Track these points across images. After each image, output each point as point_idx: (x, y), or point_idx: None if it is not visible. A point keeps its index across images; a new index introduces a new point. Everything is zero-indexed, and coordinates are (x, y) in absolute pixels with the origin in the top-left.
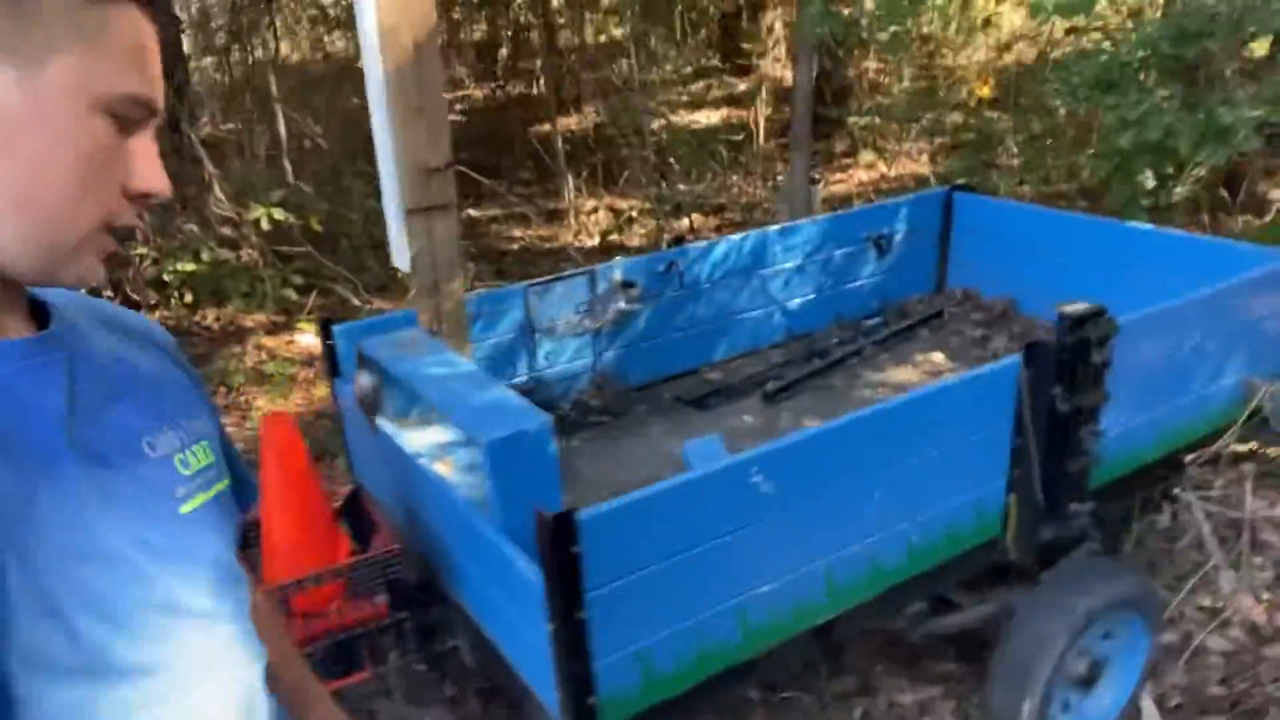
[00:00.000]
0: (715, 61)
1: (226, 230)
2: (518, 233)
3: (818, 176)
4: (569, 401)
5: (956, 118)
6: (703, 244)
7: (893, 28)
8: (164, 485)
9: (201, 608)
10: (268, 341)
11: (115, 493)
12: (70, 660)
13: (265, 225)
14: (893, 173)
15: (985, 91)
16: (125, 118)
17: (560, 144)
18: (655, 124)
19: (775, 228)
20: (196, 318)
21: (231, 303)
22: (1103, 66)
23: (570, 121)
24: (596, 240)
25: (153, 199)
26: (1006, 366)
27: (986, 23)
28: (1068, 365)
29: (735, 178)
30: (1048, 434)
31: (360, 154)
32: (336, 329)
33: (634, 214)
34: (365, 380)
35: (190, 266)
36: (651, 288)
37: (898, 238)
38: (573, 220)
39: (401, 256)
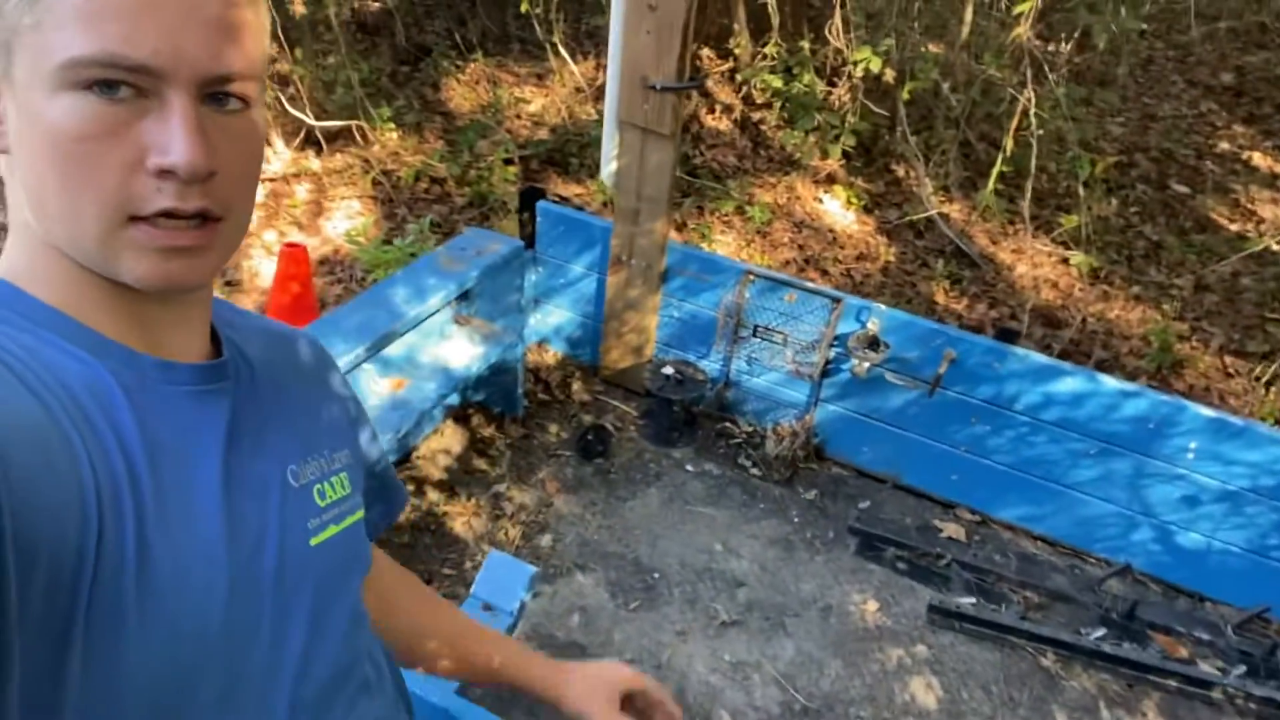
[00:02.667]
0: None
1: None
2: (1268, 212)
3: None
4: (755, 425)
5: None
6: (1043, 360)
7: None
8: (300, 516)
9: (300, 648)
10: (799, 187)
11: (259, 523)
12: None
13: (859, 72)
14: None
15: None
16: (106, 85)
17: None
18: None
19: (1211, 413)
20: (780, 134)
21: (793, 133)
22: None
23: None
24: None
25: (173, 175)
26: None
27: None
28: None
29: None
30: None
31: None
32: (540, 204)
33: None
34: None
35: (778, 83)
36: (922, 369)
37: None
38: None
39: (606, 168)
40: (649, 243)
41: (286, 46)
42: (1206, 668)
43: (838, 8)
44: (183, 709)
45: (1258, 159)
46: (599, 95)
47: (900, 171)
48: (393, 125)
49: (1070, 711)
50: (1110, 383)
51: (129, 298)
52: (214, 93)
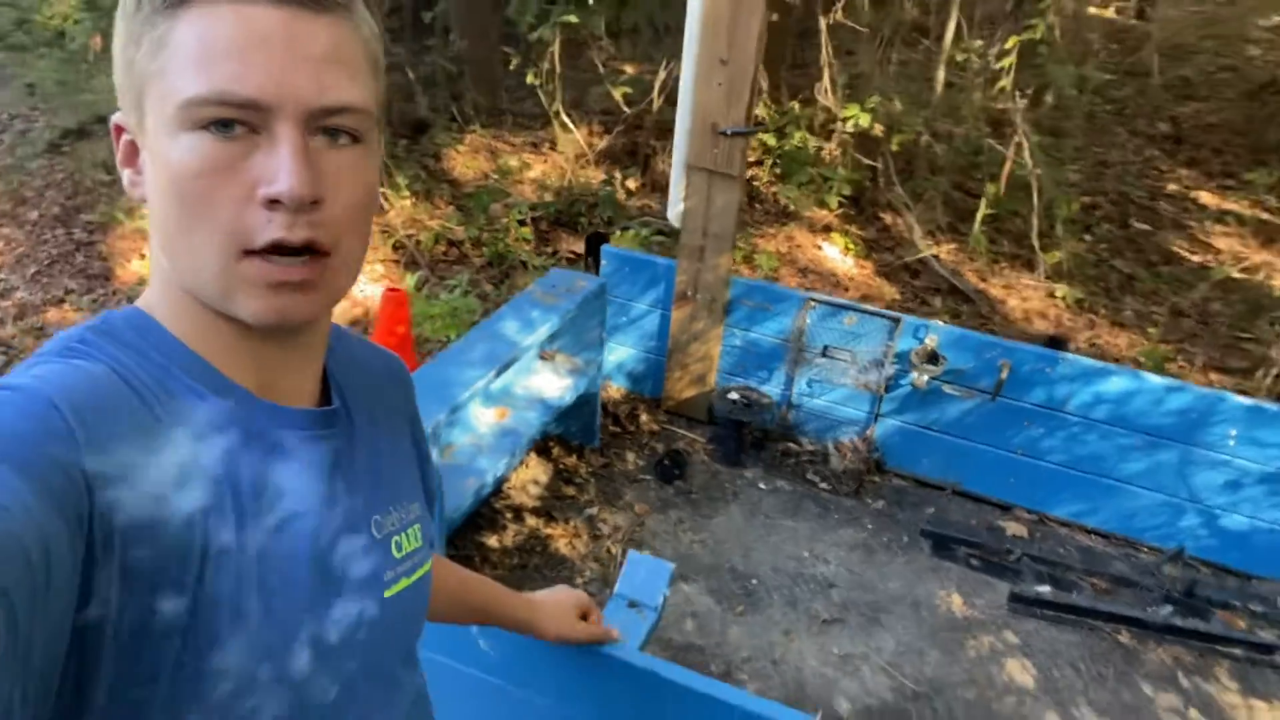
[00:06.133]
0: None
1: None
2: (1223, 244)
3: None
4: (817, 444)
5: None
6: (1092, 363)
7: None
8: (378, 568)
9: (366, 693)
10: (798, 236)
11: (341, 571)
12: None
13: (849, 128)
14: None
15: None
16: (222, 124)
17: None
18: None
19: (1247, 401)
20: (773, 189)
21: (786, 187)
22: None
23: None
24: None
25: (281, 204)
26: None
27: None
28: None
29: None
30: None
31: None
32: (605, 249)
33: None
34: None
35: (771, 140)
36: (978, 379)
37: None
38: None
39: (673, 209)
40: (714, 277)
41: None
42: (1267, 636)
43: (825, 70)
44: None
45: (1205, 198)
46: (600, 159)
47: (888, 219)
48: (407, 194)
49: (1154, 682)
50: (1154, 379)
51: (249, 339)
52: (325, 127)
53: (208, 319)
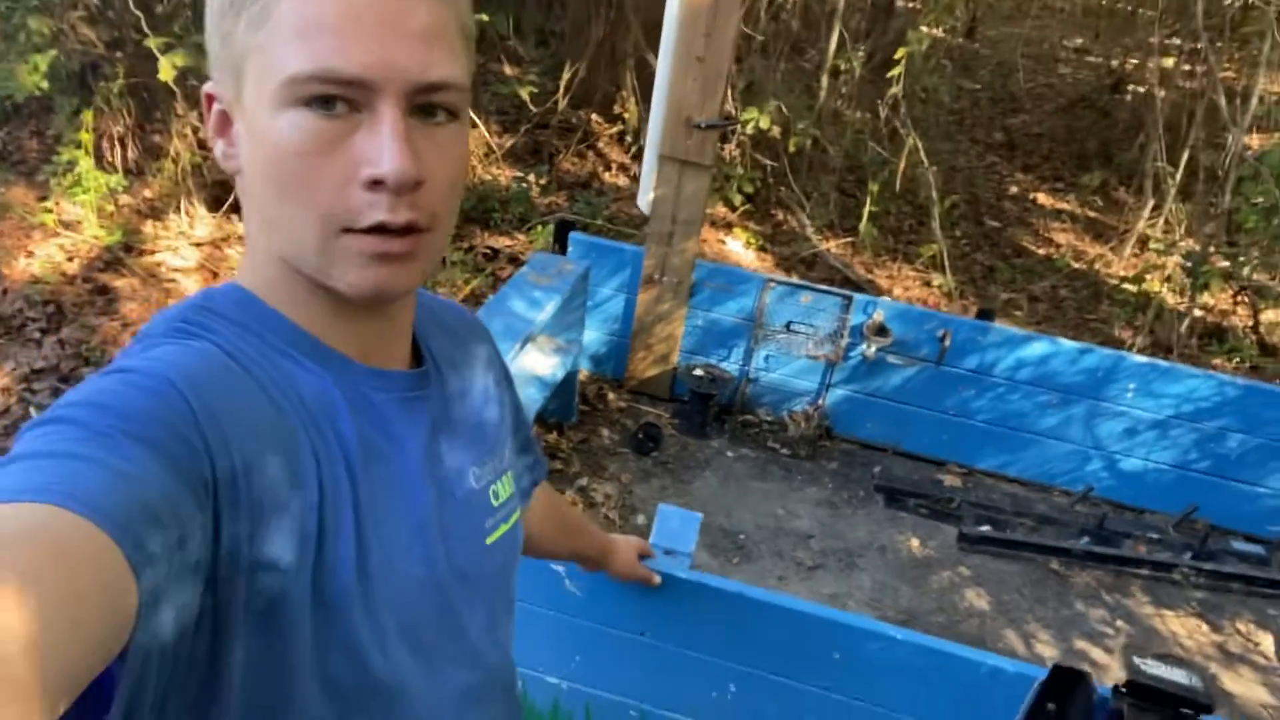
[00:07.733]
0: None
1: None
2: (1062, 239)
3: None
4: (774, 415)
5: None
6: (1017, 332)
7: None
8: (479, 516)
9: (475, 641)
10: (703, 231)
11: (449, 523)
12: (374, 673)
13: (750, 130)
14: None
15: None
16: (324, 102)
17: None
18: None
19: (1143, 359)
20: None
21: None
22: None
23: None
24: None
25: (384, 185)
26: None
27: None
28: None
29: None
30: None
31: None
32: (573, 235)
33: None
34: None
35: None
36: (919, 349)
37: None
38: (1126, 251)
39: (644, 197)
40: (681, 261)
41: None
42: (1163, 557)
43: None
44: (382, 685)
45: (1042, 199)
46: (505, 156)
47: (779, 216)
48: None
49: (1084, 600)
50: (1068, 344)
51: (345, 308)
52: (422, 104)
53: (306, 290)
